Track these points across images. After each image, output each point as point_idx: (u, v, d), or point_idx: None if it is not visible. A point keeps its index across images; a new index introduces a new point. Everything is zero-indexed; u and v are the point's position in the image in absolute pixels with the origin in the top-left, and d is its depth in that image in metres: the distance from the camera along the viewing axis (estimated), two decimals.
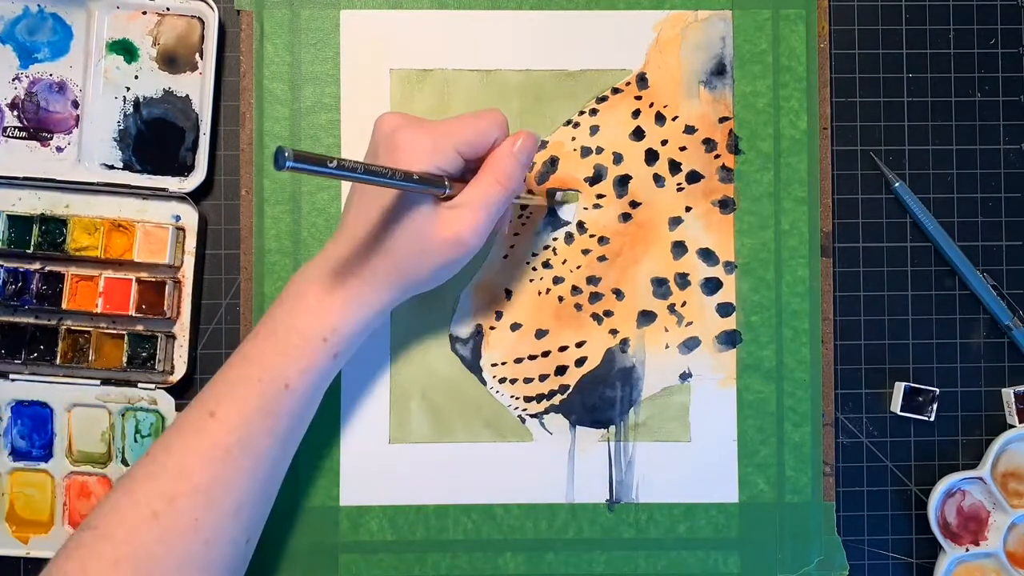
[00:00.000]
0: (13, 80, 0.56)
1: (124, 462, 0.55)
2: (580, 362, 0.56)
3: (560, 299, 0.56)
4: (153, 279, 0.55)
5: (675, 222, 0.56)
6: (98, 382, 0.55)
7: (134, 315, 0.55)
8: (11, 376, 0.55)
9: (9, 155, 0.56)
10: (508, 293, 0.56)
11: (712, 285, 0.56)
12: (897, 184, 0.57)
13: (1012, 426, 0.56)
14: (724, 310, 0.56)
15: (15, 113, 0.56)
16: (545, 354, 0.56)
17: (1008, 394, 0.57)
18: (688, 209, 0.56)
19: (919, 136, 0.58)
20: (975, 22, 0.58)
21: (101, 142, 0.56)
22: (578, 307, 0.56)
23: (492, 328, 0.56)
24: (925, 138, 0.58)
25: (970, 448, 0.57)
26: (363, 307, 0.47)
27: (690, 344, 0.56)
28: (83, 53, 0.56)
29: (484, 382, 0.56)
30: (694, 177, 0.56)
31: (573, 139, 0.56)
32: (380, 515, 0.55)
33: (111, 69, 0.56)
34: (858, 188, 0.58)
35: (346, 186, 0.56)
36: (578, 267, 0.56)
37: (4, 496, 0.56)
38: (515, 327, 0.56)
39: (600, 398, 0.56)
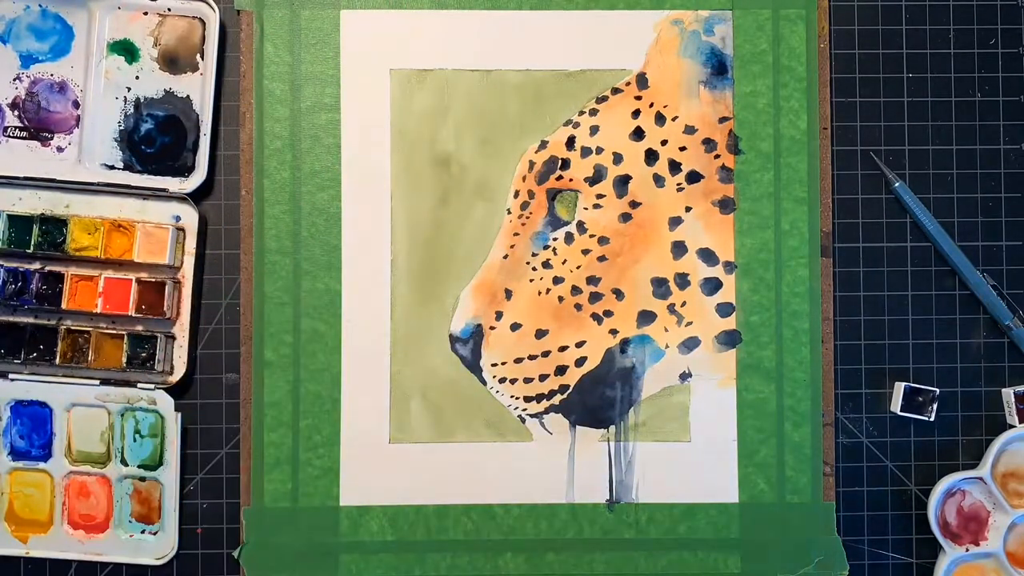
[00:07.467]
0: (14, 80, 0.56)
1: (123, 462, 0.55)
2: (580, 362, 0.56)
3: (560, 299, 0.56)
4: (153, 279, 0.55)
5: (675, 222, 0.56)
6: (97, 382, 0.55)
7: (134, 315, 0.55)
8: (11, 376, 0.55)
9: (10, 155, 0.56)
10: (508, 293, 0.56)
11: (712, 285, 0.56)
12: (897, 184, 0.57)
13: (1012, 426, 0.56)
14: (724, 310, 0.56)
15: (16, 113, 0.56)
16: (545, 354, 0.56)
17: (1008, 394, 0.57)
18: (688, 209, 0.56)
19: (919, 136, 0.58)
20: (975, 22, 0.58)
21: (102, 142, 0.56)
22: (578, 307, 0.56)
23: (492, 328, 0.56)
24: (925, 138, 0.58)
25: (970, 448, 0.57)
26: None
27: (690, 344, 0.56)
28: (84, 53, 0.56)
29: (484, 382, 0.56)
30: (694, 177, 0.56)
31: (573, 139, 0.56)
32: (380, 515, 0.55)
33: (112, 69, 0.56)
34: (858, 188, 0.58)
35: (346, 187, 0.56)
36: (578, 267, 0.56)
37: (3, 496, 0.56)
38: (515, 327, 0.56)
39: (600, 398, 0.56)
